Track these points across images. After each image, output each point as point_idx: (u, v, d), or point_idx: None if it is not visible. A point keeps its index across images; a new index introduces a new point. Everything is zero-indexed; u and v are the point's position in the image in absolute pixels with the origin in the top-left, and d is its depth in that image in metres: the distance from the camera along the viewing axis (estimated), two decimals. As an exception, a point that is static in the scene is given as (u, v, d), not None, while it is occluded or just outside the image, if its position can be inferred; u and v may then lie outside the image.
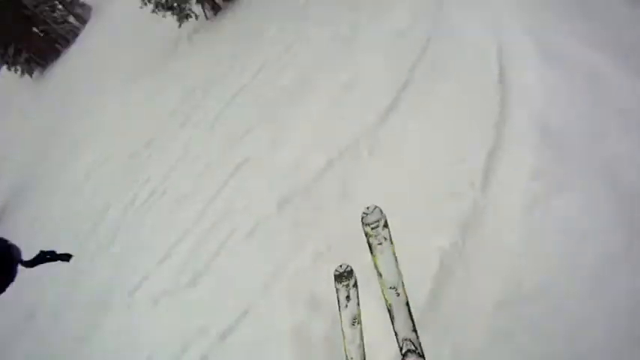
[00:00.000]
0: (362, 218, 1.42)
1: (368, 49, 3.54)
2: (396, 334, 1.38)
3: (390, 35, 3.44)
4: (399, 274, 1.36)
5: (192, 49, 7.15)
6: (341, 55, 3.77)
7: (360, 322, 1.40)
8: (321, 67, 3.84)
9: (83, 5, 16.89)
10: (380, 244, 1.38)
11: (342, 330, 1.37)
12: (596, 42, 2.13)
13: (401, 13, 3.56)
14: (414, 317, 1.37)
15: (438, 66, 2.81)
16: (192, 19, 7.34)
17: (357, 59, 3.54)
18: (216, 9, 7.48)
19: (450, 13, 3.14)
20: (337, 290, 1.41)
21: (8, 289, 2.01)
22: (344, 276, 1.42)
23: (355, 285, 1.42)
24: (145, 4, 7.12)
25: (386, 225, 1.41)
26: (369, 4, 4.06)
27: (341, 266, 1.45)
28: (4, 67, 15.46)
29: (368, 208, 1.44)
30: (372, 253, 1.39)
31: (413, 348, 1.36)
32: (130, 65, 8.74)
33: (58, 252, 2.33)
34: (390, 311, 1.37)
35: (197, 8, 7.30)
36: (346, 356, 1.41)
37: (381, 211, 1.43)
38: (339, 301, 1.39)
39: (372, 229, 1.39)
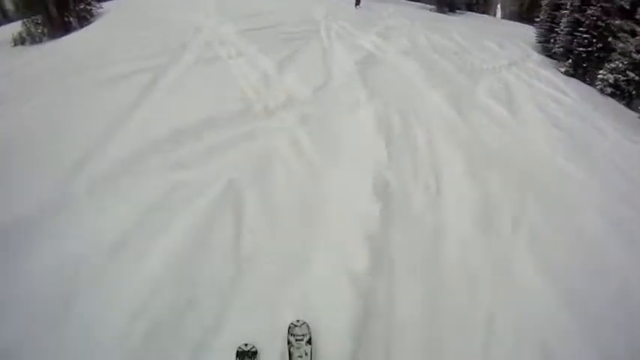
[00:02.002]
0: (289, 328, 1.47)
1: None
2: None
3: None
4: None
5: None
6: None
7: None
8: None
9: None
10: (300, 357, 1.42)
11: None
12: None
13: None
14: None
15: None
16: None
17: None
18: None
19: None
20: None
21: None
22: (247, 355, 1.41)
23: None
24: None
25: (310, 342, 1.43)
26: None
27: (246, 345, 1.43)
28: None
29: (298, 321, 1.49)
30: None
31: None
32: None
33: None
34: None
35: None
36: None
37: (308, 327, 1.47)
38: None
39: (296, 340, 1.45)
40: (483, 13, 19.35)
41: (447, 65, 6.16)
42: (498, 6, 25.66)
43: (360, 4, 11.36)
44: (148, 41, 5.84)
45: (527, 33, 13.33)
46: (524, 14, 19.36)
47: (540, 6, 17.92)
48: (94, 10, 9.98)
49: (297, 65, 5.12)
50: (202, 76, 4.44)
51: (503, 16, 25.27)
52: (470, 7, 16.91)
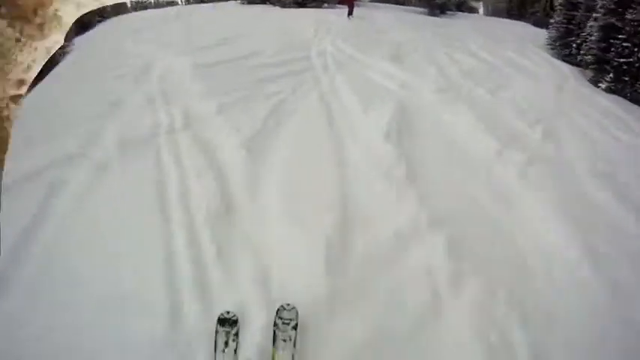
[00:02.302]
0: (278, 310, 1.48)
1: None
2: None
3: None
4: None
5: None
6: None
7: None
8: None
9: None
10: (284, 340, 1.42)
11: None
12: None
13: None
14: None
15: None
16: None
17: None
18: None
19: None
20: (217, 333, 1.41)
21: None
22: (227, 322, 1.41)
23: (236, 334, 1.42)
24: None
25: (296, 327, 1.43)
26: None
27: (228, 312, 1.44)
28: None
29: (288, 304, 1.49)
30: (274, 344, 1.44)
31: None
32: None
33: None
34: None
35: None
36: None
37: (297, 313, 1.46)
38: (216, 344, 1.40)
39: (283, 324, 1.43)
40: (470, 11, 18.11)
41: (507, 114, 4.33)
42: (480, 3, 24.65)
43: (352, 14, 9.60)
44: (85, 99, 4.25)
45: (528, 31, 12.11)
46: (513, 10, 18.22)
47: (532, 2, 16.94)
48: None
49: (282, 156, 2.97)
50: (111, 214, 2.31)
51: (486, 13, 24.23)
52: (459, 7, 15.59)
